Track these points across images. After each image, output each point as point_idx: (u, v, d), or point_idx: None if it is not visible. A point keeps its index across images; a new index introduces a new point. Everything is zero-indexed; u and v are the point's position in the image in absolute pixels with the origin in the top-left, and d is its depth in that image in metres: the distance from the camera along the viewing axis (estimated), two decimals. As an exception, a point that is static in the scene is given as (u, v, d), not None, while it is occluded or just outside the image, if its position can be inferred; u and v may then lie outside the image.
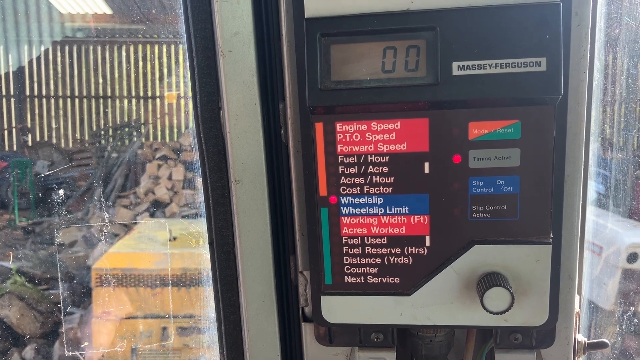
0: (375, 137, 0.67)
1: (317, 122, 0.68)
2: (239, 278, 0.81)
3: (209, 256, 0.84)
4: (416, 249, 0.70)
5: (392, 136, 0.67)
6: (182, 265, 3.21)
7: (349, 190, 0.69)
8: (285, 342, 0.84)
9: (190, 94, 0.79)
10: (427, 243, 0.69)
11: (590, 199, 0.77)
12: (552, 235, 0.67)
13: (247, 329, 0.82)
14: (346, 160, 0.69)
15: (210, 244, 0.82)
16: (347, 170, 0.69)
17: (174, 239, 3.41)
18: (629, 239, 2.29)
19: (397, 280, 0.71)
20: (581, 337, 0.78)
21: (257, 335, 0.82)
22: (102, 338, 3.09)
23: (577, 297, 0.75)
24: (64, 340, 3.15)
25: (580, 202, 0.71)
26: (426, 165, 0.67)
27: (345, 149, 0.68)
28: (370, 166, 0.68)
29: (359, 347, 0.78)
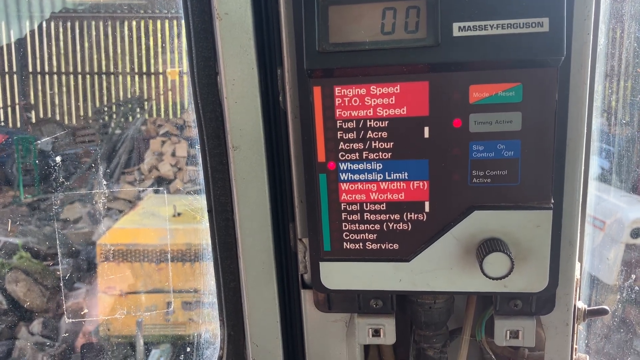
0: (374, 101, 0.66)
1: (315, 86, 0.67)
2: (238, 245, 0.81)
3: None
4: (415, 215, 0.69)
5: (392, 100, 0.66)
6: (186, 240, 3.23)
7: (348, 156, 0.69)
8: (284, 308, 0.84)
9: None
10: (427, 209, 0.68)
11: (594, 173, 0.76)
12: (553, 201, 0.66)
13: (246, 296, 0.82)
14: (345, 125, 0.68)
15: (209, 211, 0.82)
16: (345, 136, 0.68)
17: (179, 214, 3.43)
18: (634, 214, 2.28)
19: (396, 246, 0.70)
20: (581, 304, 0.78)
21: (257, 302, 0.82)
22: (107, 312, 3.13)
23: (577, 264, 0.74)
24: (70, 314, 3.18)
25: (583, 167, 0.70)
26: (426, 129, 0.66)
27: (344, 113, 0.67)
28: (370, 131, 0.67)
29: (358, 313, 0.78)
